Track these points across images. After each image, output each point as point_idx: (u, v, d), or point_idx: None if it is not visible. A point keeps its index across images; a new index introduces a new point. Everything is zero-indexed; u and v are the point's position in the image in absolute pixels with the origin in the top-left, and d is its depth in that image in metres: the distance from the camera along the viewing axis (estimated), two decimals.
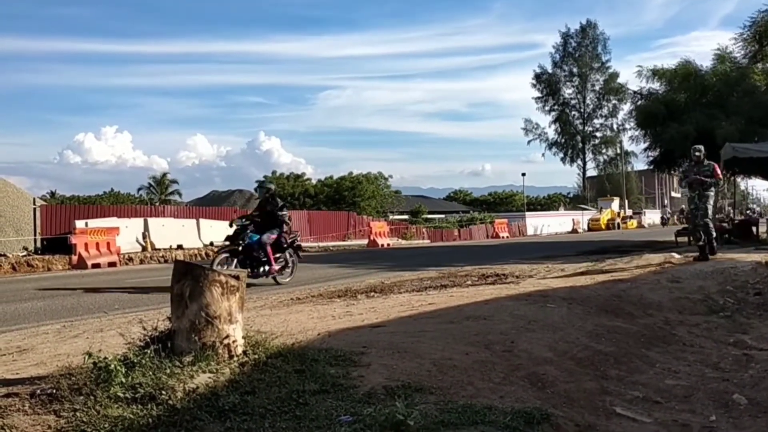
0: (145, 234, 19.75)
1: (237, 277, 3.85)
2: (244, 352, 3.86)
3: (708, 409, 4.21)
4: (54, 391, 3.26)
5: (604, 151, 70.98)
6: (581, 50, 69.46)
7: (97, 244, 16.56)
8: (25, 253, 17.35)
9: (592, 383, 4.42)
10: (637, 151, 25.32)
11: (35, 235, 18.43)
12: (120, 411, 3.06)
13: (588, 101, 69.98)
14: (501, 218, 41.87)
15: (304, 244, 25.46)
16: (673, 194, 79.22)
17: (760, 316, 7.35)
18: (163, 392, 3.22)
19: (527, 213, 50.54)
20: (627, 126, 44.24)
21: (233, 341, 3.79)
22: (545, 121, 71.05)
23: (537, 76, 70.38)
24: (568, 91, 70.36)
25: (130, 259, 18.03)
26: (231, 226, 11.06)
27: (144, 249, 19.25)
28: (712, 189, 11.12)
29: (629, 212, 59.59)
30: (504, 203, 69.98)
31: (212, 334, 3.69)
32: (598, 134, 70.54)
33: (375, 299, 7.92)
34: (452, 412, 3.26)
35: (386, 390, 3.53)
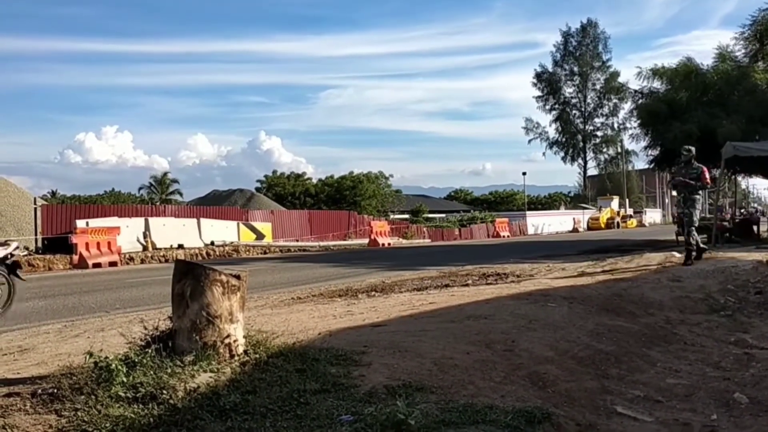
0: (146, 233, 19.76)
1: (238, 277, 3.85)
2: (245, 352, 3.86)
3: (709, 408, 4.21)
4: (55, 390, 3.26)
5: (604, 150, 70.95)
6: (582, 49, 69.40)
7: (98, 243, 16.57)
8: (26, 252, 17.34)
9: (593, 382, 4.42)
10: (638, 150, 25.27)
11: (36, 234, 18.45)
12: (121, 410, 3.06)
13: (589, 100, 69.93)
14: (502, 217, 41.85)
15: (304, 244, 25.63)
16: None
17: (761, 315, 7.35)
18: (165, 392, 3.22)
19: (528, 212, 50.55)
20: (628, 125, 44.22)
21: (234, 341, 3.79)
22: (546, 120, 71.03)
23: (538, 75, 70.36)
24: (568, 90, 70.34)
25: (131, 259, 18.04)
26: None
27: (145, 248, 19.25)
28: (699, 193, 10.62)
29: (630, 211, 59.54)
30: (505, 202, 69.99)
31: (213, 334, 3.69)
32: (599, 133, 70.50)
33: (376, 298, 7.92)
34: (453, 411, 3.26)
35: (387, 389, 3.53)
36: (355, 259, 17.59)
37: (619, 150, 67.60)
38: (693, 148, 10.90)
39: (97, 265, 15.88)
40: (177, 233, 20.75)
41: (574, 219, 48.89)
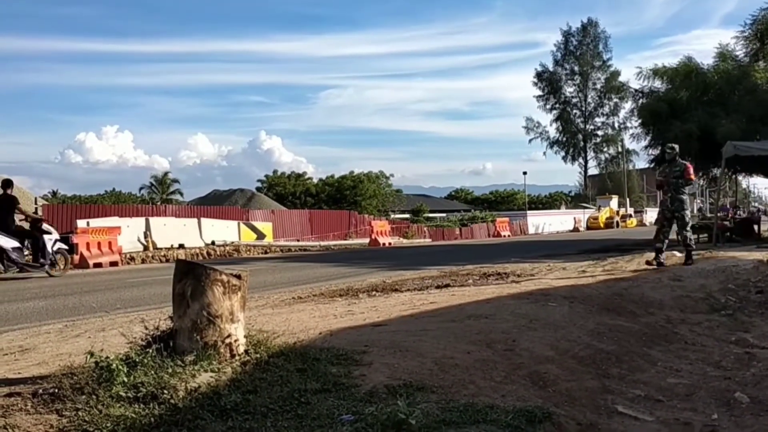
0: (147, 233, 19.76)
1: (239, 276, 3.85)
2: (246, 351, 3.86)
3: (710, 407, 4.21)
4: (56, 390, 3.26)
5: (605, 149, 70.94)
6: (582, 49, 69.40)
7: (99, 243, 16.56)
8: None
9: (593, 382, 4.42)
10: (639, 149, 25.20)
11: None
12: (122, 410, 3.06)
13: (589, 100, 69.93)
14: (502, 217, 41.89)
15: (305, 243, 25.64)
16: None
17: (762, 314, 7.34)
18: (165, 391, 3.23)
19: (528, 212, 50.60)
20: (628, 124, 44.18)
21: (235, 340, 3.79)
22: (546, 120, 71.03)
23: (538, 75, 70.37)
24: (569, 90, 70.35)
25: (132, 259, 18.04)
26: None
27: (145, 248, 19.25)
28: (685, 192, 10.28)
29: (630, 210, 59.52)
30: (505, 202, 70.07)
31: (214, 334, 3.69)
32: (600, 132, 70.49)
33: (376, 298, 7.92)
34: (454, 410, 3.26)
35: (388, 389, 3.53)
36: (356, 258, 17.59)
37: (620, 149, 67.59)
38: (676, 146, 10.61)
39: (97, 265, 15.89)
40: (178, 233, 20.75)
41: (574, 218, 48.91)
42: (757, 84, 20.20)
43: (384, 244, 26.37)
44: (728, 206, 26.54)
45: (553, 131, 70.49)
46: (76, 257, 15.91)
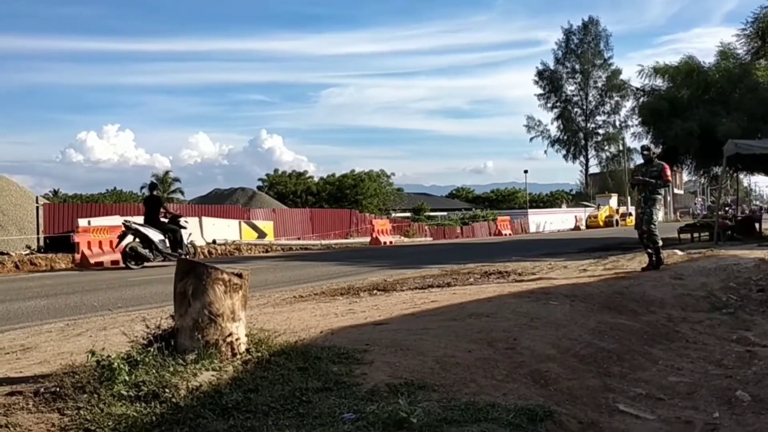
0: None
1: (240, 275, 3.86)
2: (247, 350, 3.87)
3: (711, 405, 4.21)
4: (58, 389, 3.26)
5: (606, 147, 70.78)
6: (583, 47, 69.26)
7: (100, 242, 16.56)
8: (27, 251, 17.35)
9: (594, 380, 4.42)
10: (640, 147, 25.12)
11: (38, 233, 18.45)
12: (123, 409, 3.06)
13: (590, 98, 69.80)
14: (503, 215, 41.87)
15: (306, 242, 25.63)
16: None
17: (763, 312, 7.34)
18: (167, 390, 3.23)
19: (530, 210, 50.58)
20: (629, 123, 44.11)
21: (236, 339, 3.80)
22: (547, 118, 70.86)
23: (539, 73, 70.23)
24: (570, 88, 70.20)
25: None
26: None
27: None
28: (660, 192, 10.10)
29: (631, 209, 59.45)
30: (506, 200, 70.03)
31: (215, 332, 3.69)
32: (601, 131, 70.35)
33: (378, 297, 7.92)
34: (455, 409, 3.26)
35: (389, 387, 3.54)
36: (357, 257, 17.59)
37: (621, 148, 67.49)
38: (652, 146, 10.58)
39: (99, 264, 15.88)
40: None
41: (575, 217, 48.88)
42: (758, 82, 20.16)
43: (385, 242, 26.36)
44: (730, 203, 26.54)
45: (554, 130, 70.39)
46: (78, 256, 15.93)
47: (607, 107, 69.06)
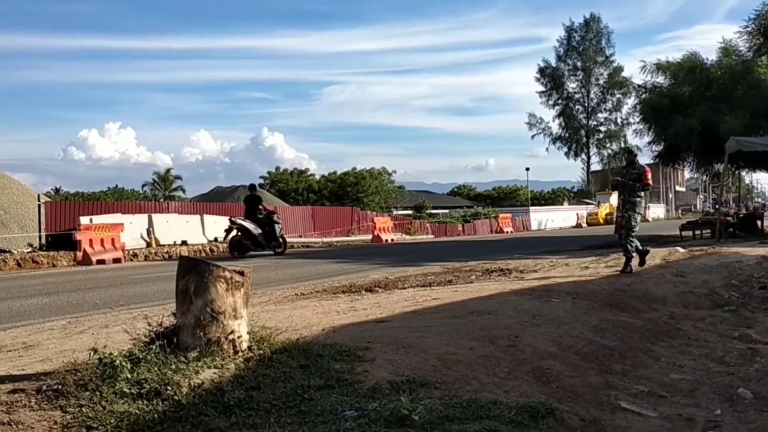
0: (150, 230, 19.76)
1: (242, 273, 3.86)
2: (249, 348, 3.87)
3: (713, 403, 4.20)
4: (60, 386, 3.27)
5: (608, 145, 70.56)
6: (585, 44, 69.05)
7: (102, 240, 16.57)
8: (29, 249, 17.37)
9: (596, 378, 4.42)
10: (642, 145, 25.04)
11: (40, 231, 18.47)
12: (126, 406, 3.07)
13: (592, 95, 69.58)
14: (505, 213, 41.79)
15: (307, 240, 25.65)
16: (678, 188, 79.01)
17: (765, 310, 7.34)
18: (169, 388, 3.23)
19: (531, 208, 50.48)
20: (631, 120, 44.01)
21: (238, 337, 3.80)
22: (549, 116, 70.66)
23: (541, 70, 70.01)
24: (572, 85, 69.95)
25: (135, 255, 18.03)
26: None
27: (148, 245, 19.25)
28: (640, 195, 9.82)
29: None
30: (508, 198, 69.95)
31: (217, 330, 3.69)
32: (602, 128, 70.13)
33: (379, 294, 7.92)
34: (457, 406, 3.26)
35: (391, 385, 3.54)
36: (359, 255, 17.59)
37: (623, 145, 67.35)
38: (634, 148, 10.38)
39: (100, 262, 15.90)
40: (180, 230, 20.75)
41: (577, 214, 48.79)
42: (760, 79, 20.12)
43: (387, 240, 26.35)
44: (731, 202, 26.49)
45: (555, 127, 70.17)
46: (79, 254, 15.94)
47: (609, 104, 68.86)
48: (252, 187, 19.61)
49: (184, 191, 55.80)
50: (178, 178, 58.10)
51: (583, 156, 71.64)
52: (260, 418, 3.04)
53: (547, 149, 71.73)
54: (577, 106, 70.30)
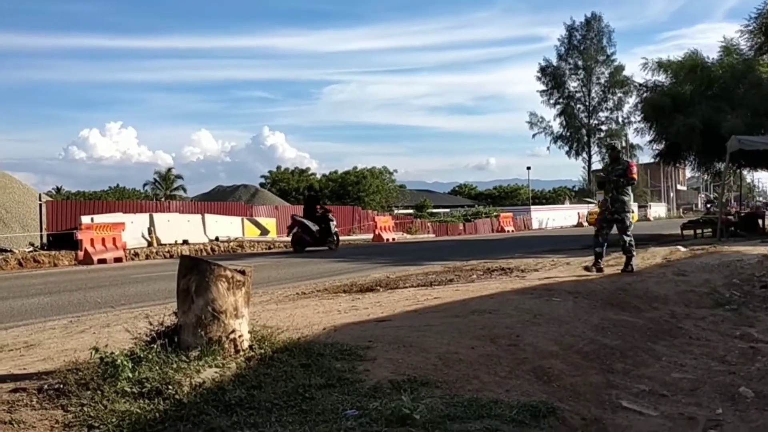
0: (151, 229, 19.78)
1: (243, 272, 3.86)
2: (250, 347, 3.87)
3: (714, 402, 4.20)
4: (61, 386, 3.27)
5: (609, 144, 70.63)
6: (586, 43, 69.00)
7: (103, 239, 16.59)
8: (31, 248, 17.39)
9: (598, 377, 4.42)
10: (643, 144, 25.03)
11: (41, 230, 18.49)
12: (127, 405, 3.07)
13: (593, 94, 69.52)
14: (506, 212, 41.79)
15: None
16: (679, 187, 78.97)
17: (767, 308, 7.33)
18: (170, 387, 3.23)
19: (532, 207, 50.44)
20: (632, 119, 43.96)
21: (239, 336, 3.80)
22: (550, 115, 70.65)
23: (542, 69, 69.97)
24: (573, 84, 69.91)
25: (136, 255, 18.05)
26: None
27: (150, 244, 19.27)
28: (628, 193, 9.48)
29: (634, 206, 59.38)
30: (509, 197, 69.97)
31: (218, 329, 3.69)
32: (604, 127, 70.08)
33: (380, 294, 7.93)
34: (458, 405, 3.26)
35: (392, 384, 3.54)
36: (360, 254, 17.60)
37: (624, 144, 67.31)
38: (618, 144, 10.23)
39: (102, 261, 15.91)
40: (182, 229, 20.76)
41: (578, 214, 48.79)
42: (761, 78, 20.09)
43: (387, 239, 26.35)
44: (713, 200, 26.47)
45: (556, 126, 70.13)
46: (81, 253, 15.95)
47: (610, 103, 68.81)
48: (311, 187, 22.77)
49: (185, 190, 55.85)
50: (179, 177, 58.14)
51: (584, 155, 71.58)
52: (261, 417, 3.04)
53: (548, 148, 71.68)
54: (578, 105, 70.25)
